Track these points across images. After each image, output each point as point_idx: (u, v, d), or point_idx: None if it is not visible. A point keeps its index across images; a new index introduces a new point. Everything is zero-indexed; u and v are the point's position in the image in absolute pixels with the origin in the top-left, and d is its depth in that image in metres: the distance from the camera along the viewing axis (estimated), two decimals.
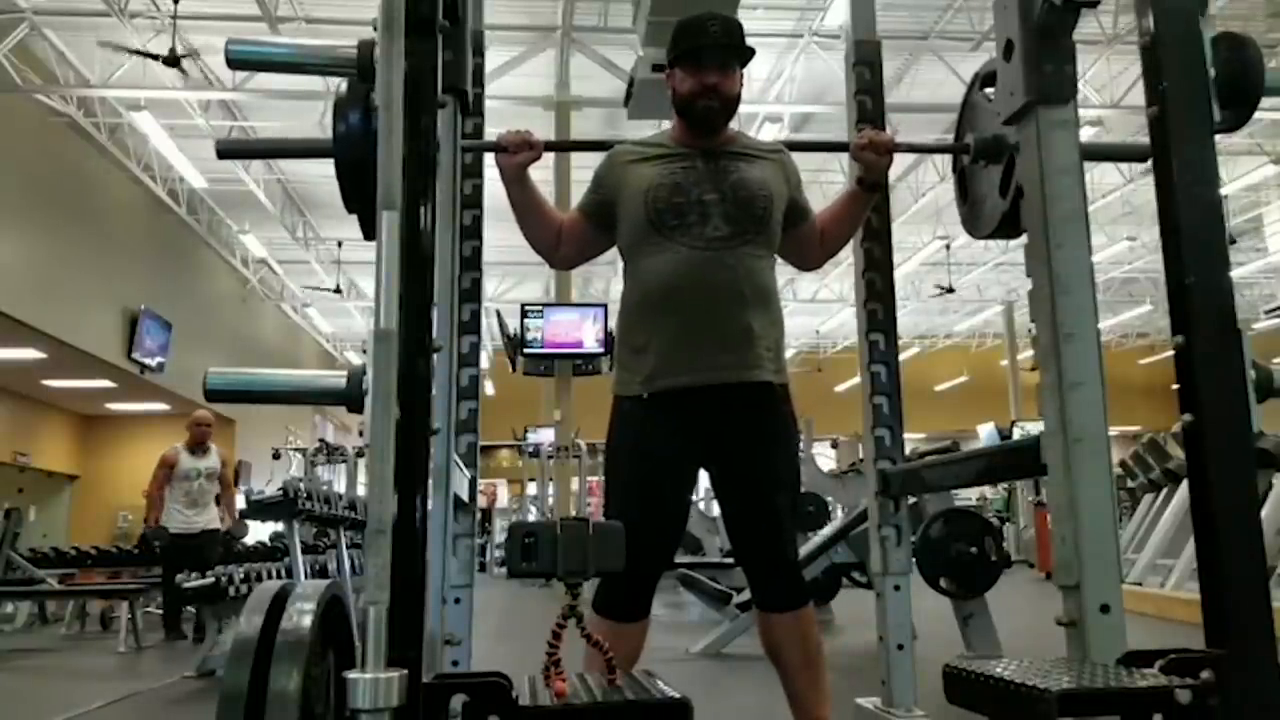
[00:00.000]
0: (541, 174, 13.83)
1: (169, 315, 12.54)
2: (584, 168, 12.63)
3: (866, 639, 2.47)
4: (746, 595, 5.07)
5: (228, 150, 1.76)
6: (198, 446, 6.46)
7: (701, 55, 2.15)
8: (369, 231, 1.35)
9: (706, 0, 5.70)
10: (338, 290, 15.75)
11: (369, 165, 1.35)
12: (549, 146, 2.21)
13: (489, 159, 2.31)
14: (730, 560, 6.23)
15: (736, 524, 2.22)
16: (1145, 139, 1.59)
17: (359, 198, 1.43)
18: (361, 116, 1.40)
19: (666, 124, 2.35)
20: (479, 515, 3.90)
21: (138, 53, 8.61)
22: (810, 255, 2.37)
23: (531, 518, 14.72)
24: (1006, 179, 2.01)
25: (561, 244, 2.29)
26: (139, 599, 5.95)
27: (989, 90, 2.14)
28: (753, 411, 2.15)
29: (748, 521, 2.19)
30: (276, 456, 14.01)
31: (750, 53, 2.19)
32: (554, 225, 2.28)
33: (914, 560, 3.53)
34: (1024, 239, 1.87)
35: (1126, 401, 19.50)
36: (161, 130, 10.21)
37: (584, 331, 10.78)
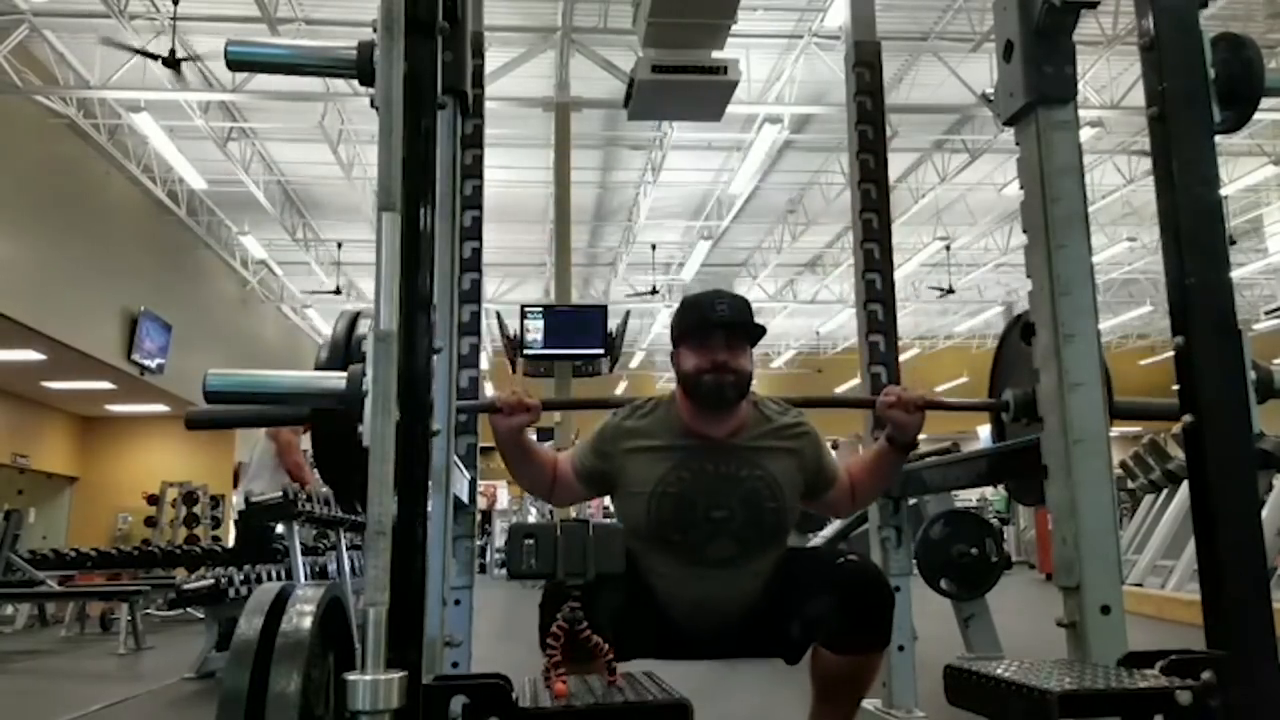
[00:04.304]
0: (541, 175, 13.72)
1: (169, 316, 12.54)
2: (583, 169, 12.67)
3: None
4: None
5: (198, 420, 1.73)
6: None
7: (708, 334, 2.03)
8: (343, 499, 1.31)
9: (706, 2, 5.71)
10: (337, 291, 15.76)
11: (346, 431, 1.31)
12: (548, 406, 2.08)
13: (490, 160, 2.31)
14: None
15: (797, 600, 2.03)
16: (1145, 139, 1.59)
17: (336, 465, 1.38)
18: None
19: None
20: (479, 516, 3.89)
21: (140, 52, 8.60)
22: (841, 509, 2.27)
23: (531, 519, 14.72)
24: None
25: (555, 490, 2.15)
26: (139, 601, 5.94)
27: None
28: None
29: (813, 581, 2.02)
30: None
31: (760, 331, 2.07)
32: (548, 471, 2.13)
33: (914, 561, 3.53)
34: (1024, 239, 1.87)
35: None
36: (161, 131, 10.20)
37: (584, 333, 10.78)
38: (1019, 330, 2.06)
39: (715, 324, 2.02)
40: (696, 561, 2.01)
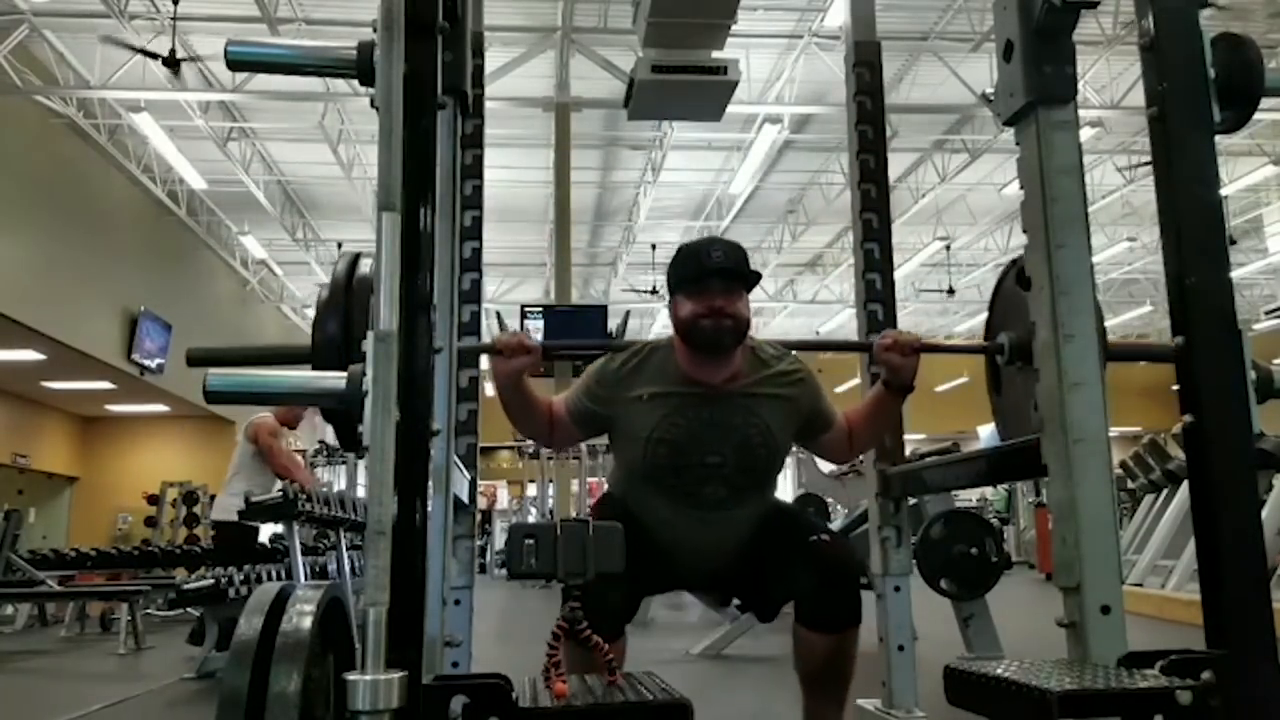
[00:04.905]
0: (541, 175, 13.70)
1: (169, 316, 12.54)
2: (583, 169, 12.66)
3: (867, 640, 2.46)
4: None
5: (200, 359, 1.73)
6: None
7: (705, 281, 2.04)
8: (348, 443, 1.32)
9: (706, 2, 5.71)
10: None
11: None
12: (547, 352, 2.10)
13: (490, 160, 2.31)
14: None
15: (773, 567, 2.13)
16: (1145, 139, 1.59)
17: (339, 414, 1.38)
18: (341, 325, 1.37)
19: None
20: (479, 517, 3.90)
21: (142, 51, 8.60)
22: (839, 454, 2.30)
23: (531, 519, 14.72)
24: None
25: (554, 433, 2.20)
26: (139, 601, 5.94)
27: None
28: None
29: (787, 553, 2.10)
30: None
31: (756, 277, 2.09)
32: (544, 416, 2.17)
33: (914, 561, 3.53)
34: (1024, 239, 1.86)
35: (1126, 402, 19.51)
36: (161, 131, 10.21)
37: (584, 333, 10.77)
38: (1014, 275, 2.06)
39: (712, 271, 2.04)
40: (691, 504, 2.08)
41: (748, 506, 2.12)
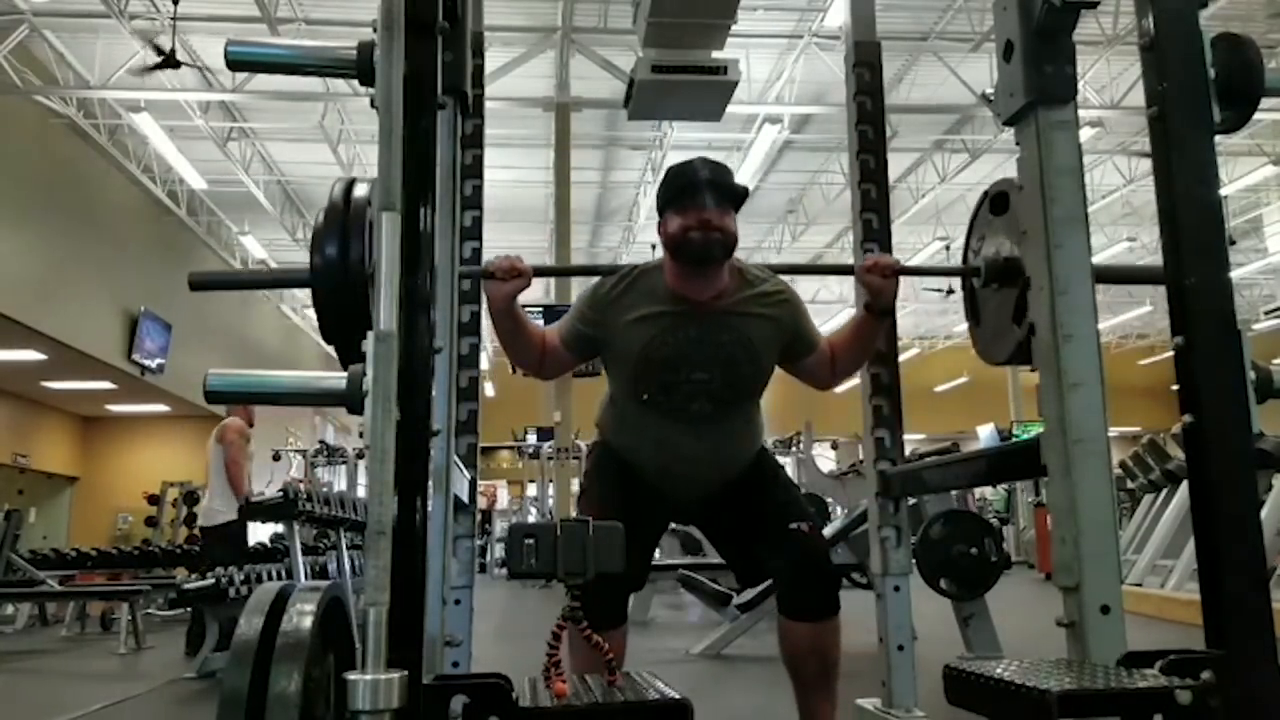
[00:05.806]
0: (541, 175, 13.69)
1: (169, 316, 12.54)
2: (583, 169, 12.66)
3: (867, 640, 2.47)
4: (747, 596, 5.06)
5: (200, 282, 1.73)
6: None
7: (693, 195, 2.09)
8: (346, 361, 1.33)
9: (706, 2, 5.71)
10: None
11: (348, 295, 1.35)
12: (538, 272, 2.14)
13: (490, 160, 2.31)
14: None
15: (755, 543, 2.20)
16: (1146, 140, 1.59)
17: (338, 329, 1.38)
18: (339, 248, 1.38)
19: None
20: (479, 516, 3.90)
21: (153, 45, 8.58)
22: (822, 379, 2.31)
23: (531, 519, 14.72)
24: (1020, 307, 1.88)
25: (545, 361, 2.24)
26: (139, 601, 5.94)
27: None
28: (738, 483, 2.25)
29: (768, 536, 2.18)
30: (276, 458, 14.00)
31: (743, 193, 2.14)
32: (537, 345, 2.22)
33: (914, 561, 3.53)
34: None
35: (1126, 402, 19.52)
36: (161, 131, 10.21)
37: None
38: (988, 204, 2.09)
39: (701, 185, 2.10)
40: (680, 419, 2.14)
41: (734, 420, 2.19)
